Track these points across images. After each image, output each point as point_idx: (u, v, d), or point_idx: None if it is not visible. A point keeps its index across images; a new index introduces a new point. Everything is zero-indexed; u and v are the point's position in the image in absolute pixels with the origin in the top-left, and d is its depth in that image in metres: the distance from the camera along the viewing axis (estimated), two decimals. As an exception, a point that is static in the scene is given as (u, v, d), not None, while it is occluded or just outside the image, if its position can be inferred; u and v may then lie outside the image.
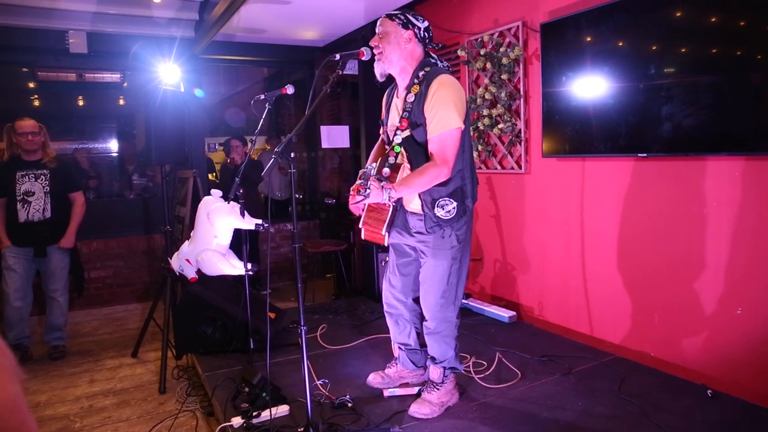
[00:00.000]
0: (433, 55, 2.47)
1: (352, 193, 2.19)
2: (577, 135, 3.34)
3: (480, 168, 4.19)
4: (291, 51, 5.60)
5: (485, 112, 3.96)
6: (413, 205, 2.43)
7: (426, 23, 2.42)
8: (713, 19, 2.60)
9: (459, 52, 4.15)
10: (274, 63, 6.29)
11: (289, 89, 2.76)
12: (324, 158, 6.37)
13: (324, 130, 5.45)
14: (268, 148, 6.99)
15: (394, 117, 2.47)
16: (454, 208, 2.34)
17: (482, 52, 3.94)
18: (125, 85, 5.30)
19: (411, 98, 2.34)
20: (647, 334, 3.09)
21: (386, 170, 2.36)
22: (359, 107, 5.18)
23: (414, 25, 2.39)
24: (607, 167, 3.27)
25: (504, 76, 3.80)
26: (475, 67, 4.03)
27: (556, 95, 3.42)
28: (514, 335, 3.55)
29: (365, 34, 4.77)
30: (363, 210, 2.51)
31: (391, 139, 2.40)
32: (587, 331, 3.45)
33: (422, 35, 2.41)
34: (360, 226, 2.49)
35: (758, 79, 2.44)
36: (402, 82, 2.45)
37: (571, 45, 3.29)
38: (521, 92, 3.75)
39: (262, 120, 2.88)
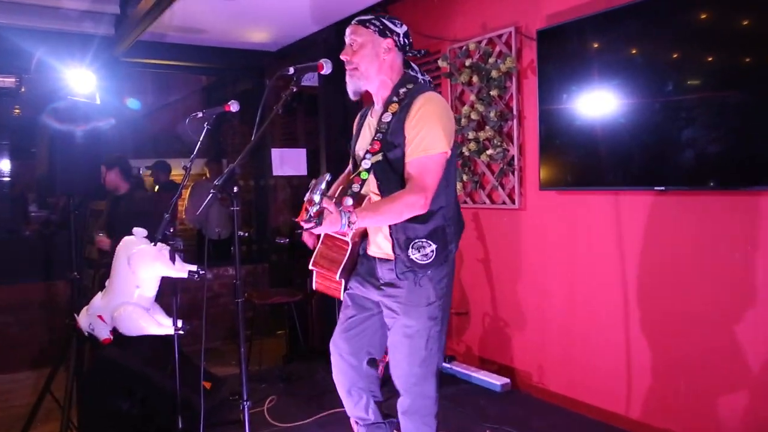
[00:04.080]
0: (414, 66, 2.51)
1: (302, 212, 2.14)
2: (581, 163, 3.38)
3: (465, 202, 4.21)
4: (236, 56, 5.59)
5: (471, 135, 4.00)
6: (381, 248, 2.41)
7: (405, 28, 2.45)
8: (746, 23, 2.67)
9: (440, 63, 4.20)
10: (214, 70, 6.25)
11: (233, 106, 2.74)
12: (275, 187, 6.32)
13: (276, 153, 5.43)
14: (208, 175, 6.92)
15: (365, 139, 2.47)
16: (432, 251, 2.32)
17: (468, 62, 3.99)
18: (23, 91, 5.18)
19: (387, 117, 2.34)
20: (672, 406, 3.08)
21: (348, 200, 2.30)
22: (319, 125, 5.16)
23: (393, 32, 2.40)
24: (617, 203, 3.31)
25: (493, 92, 3.85)
26: (459, 81, 4.07)
27: (556, 115, 3.47)
28: (509, 408, 3.52)
29: (326, 37, 4.80)
30: (318, 241, 2.48)
31: (358, 164, 2.39)
32: (598, 402, 3.43)
33: (402, 42, 2.43)
34: (310, 266, 2.45)
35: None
36: (380, 97, 2.45)
37: (573, 55, 3.35)
38: (514, 111, 3.80)
39: (199, 142, 2.87)
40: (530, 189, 3.80)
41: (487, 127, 3.90)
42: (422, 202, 2.22)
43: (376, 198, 2.37)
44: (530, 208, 3.83)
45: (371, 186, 2.40)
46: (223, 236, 6.18)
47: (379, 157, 2.33)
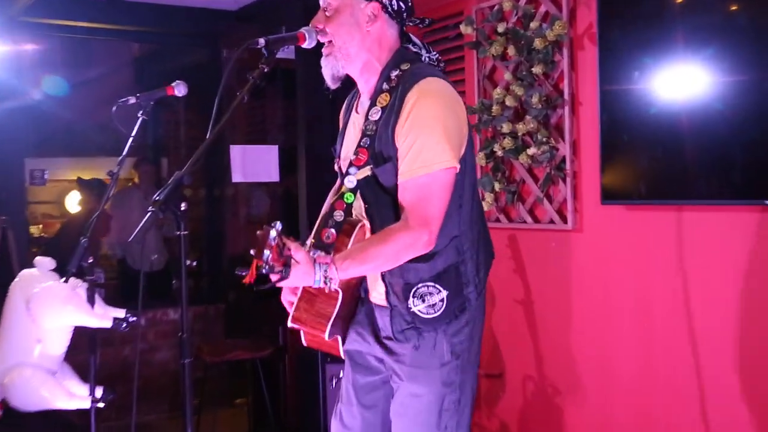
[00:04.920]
0: (416, 39, 2.51)
1: (252, 270, 2.11)
2: (660, 167, 3.36)
3: (497, 220, 4.20)
4: (180, 16, 5.59)
5: (506, 128, 3.98)
6: (380, 293, 2.42)
7: None
8: None
9: (462, 29, 4.18)
10: (151, 35, 6.24)
11: (179, 89, 2.76)
12: (236, 199, 6.31)
13: (236, 152, 5.42)
14: (136, 180, 6.89)
15: (350, 145, 2.48)
16: (442, 300, 2.34)
17: (501, 28, 3.98)
18: None
19: (376, 114, 2.35)
20: None
21: (330, 232, 2.34)
22: (297, 112, 5.16)
23: None
24: (713, 223, 3.27)
25: (537, 69, 3.83)
26: (489, 54, 4.05)
27: (623, 99, 3.45)
28: None
29: (306, -8, 4.79)
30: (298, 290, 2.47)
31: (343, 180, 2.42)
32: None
33: (395, 6, 2.42)
34: (290, 322, 2.45)
35: None
36: (365, 86, 2.47)
37: (649, 15, 3.34)
38: (565, 95, 3.79)
39: (131, 138, 2.90)
40: (588, 202, 3.78)
41: (528, 117, 3.87)
42: (425, 239, 2.23)
43: (366, 224, 2.39)
44: (588, 228, 3.80)
45: (360, 209, 2.41)
46: (156, 267, 6.16)
47: (366, 171, 2.34)
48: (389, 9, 2.39)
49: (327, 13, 2.38)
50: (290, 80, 5.49)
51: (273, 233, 1.96)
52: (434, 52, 2.53)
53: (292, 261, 2.05)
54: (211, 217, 6.40)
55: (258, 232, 2.03)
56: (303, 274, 2.09)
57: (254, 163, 5.42)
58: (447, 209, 2.28)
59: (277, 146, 5.56)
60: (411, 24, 2.49)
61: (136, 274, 6.38)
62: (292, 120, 5.57)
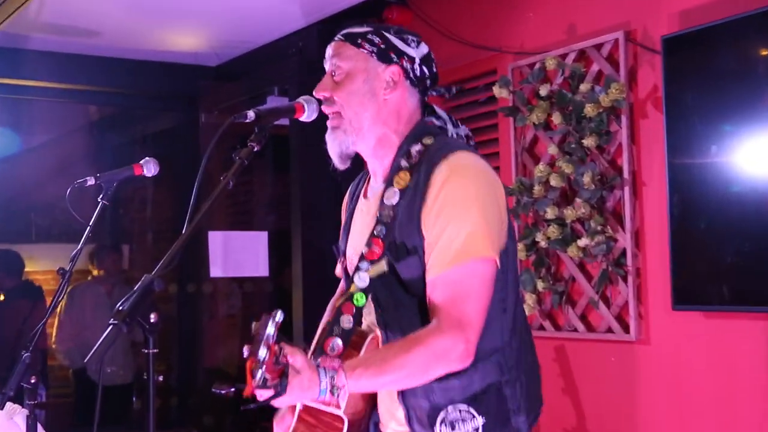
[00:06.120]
0: (440, 111, 2.53)
1: (248, 378, 2.04)
2: (748, 262, 3.35)
3: (540, 328, 4.19)
4: (150, 73, 5.68)
5: (550, 212, 3.99)
6: (396, 418, 2.40)
7: (425, 49, 2.47)
8: None
9: (496, 91, 4.22)
10: (114, 96, 6.31)
11: (148, 168, 2.75)
12: (214, 297, 6.29)
13: (216, 239, 5.45)
14: (95, 272, 6.90)
15: (359, 235, 2.48)
16: (477, 429, 2.29)
17: (543, 91, 4.02)
18: None
19: (393, 198, 2.35)
20: None
21: (336, 343, 2.33)
22: (290, 189, 5.19)
23: (402, 55, 2.41)
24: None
25: (589, 141, 3.85)
26: (530, 122, 4.09)
27: (698, 176, 3.48)
28: None
29: (305, 43, 4.82)
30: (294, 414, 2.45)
31: (351, 279, 2.40)
32: None
33: (418, 72, 2.45)
34: None
35: None
36: (379, 166, 2.47)
37: (727, 73, 3.39)
38: (625, 173, 3.81)
39: (88, 228, 2.88)
40: (656, 307, 3.76)
41: (579, 200, 3.89)
42: (461, 349, 2.18)
43: (380, 335, 2.38)
44: (657, 339, 3.77)
45: (371, 316, 2.39)
46: (121, 380, 6.11)
47: (381, 267, 2.33)
48: (411, 74, 2.42)
49: (335, 78, 2.40)
50: (283, 150, 5.50)
51: (270, 329, 1.88)
52: (463, 127, 2.54)
53: (290, 369, 2.00)
54: (184, 320, 6.35)
55: (253, 324, 1.96)
56: (306, 383, 2.03)
57: (238, 254, 5.44)
58: (488, 314, 2.24)
59: (266, 232, 5.59)
60: (435, 94, 2.51)
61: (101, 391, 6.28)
62: (285, 199, 5.57)
